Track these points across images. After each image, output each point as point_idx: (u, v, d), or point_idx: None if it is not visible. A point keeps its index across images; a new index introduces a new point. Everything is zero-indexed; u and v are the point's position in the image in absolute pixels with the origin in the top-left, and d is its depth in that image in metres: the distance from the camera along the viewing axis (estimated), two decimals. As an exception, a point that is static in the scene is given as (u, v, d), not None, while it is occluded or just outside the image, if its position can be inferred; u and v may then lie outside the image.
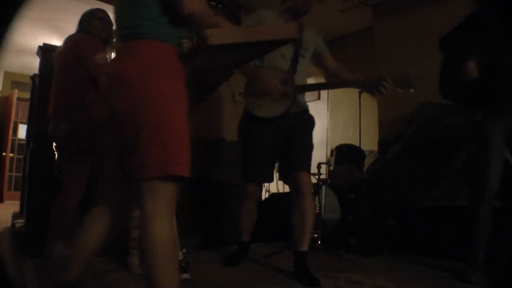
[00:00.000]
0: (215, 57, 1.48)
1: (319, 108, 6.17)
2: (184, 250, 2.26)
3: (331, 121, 6.04)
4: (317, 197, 3.59)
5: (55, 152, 2.89)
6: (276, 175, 2.81)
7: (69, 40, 2.54)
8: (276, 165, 2.60)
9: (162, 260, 1.19)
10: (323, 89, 2.72)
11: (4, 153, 6.84)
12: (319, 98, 6.25)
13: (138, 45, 1.27)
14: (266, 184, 4.66)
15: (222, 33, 1.28)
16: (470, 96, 2.30)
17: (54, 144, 2.68)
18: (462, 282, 2.23)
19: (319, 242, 3.30)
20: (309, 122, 2.51)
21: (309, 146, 2.46)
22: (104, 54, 2.39)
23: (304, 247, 2.32)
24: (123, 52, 1.32)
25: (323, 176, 3.78)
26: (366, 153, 3.74)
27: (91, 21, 2.56)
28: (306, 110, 2.52)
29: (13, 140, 7.22)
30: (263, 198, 4.43)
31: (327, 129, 6.05)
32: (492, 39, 2.15)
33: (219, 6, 4.42)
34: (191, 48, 1.38)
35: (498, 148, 2.20)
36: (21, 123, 7.42)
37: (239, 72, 2.44)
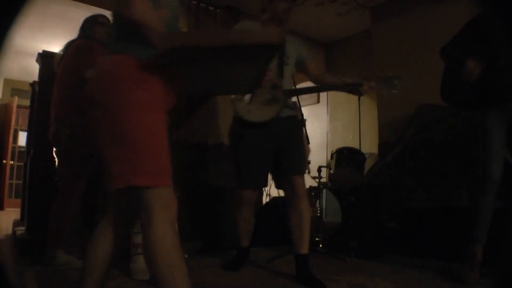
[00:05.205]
0: (187, 73, 1.29)
1: (319, 112, 6.17)
2: (186, 256, 2.26)
3: (331, 124, 6.04)
4: (318, 201, 3.58)
5: (56, 159, 2.89)
6: (272, 183, 2.82)
7: (71, 45, 2.55)
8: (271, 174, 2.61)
9: (164, 268, 1.17)
10: (311, 92, 2.75)
11: (4, 161, 6.84)
12: (318, 101, 6.25)
13: (104, 62, 1.27)
14: (266, 188, 4.65)
15: (175, 35, 1.14)
16: (471, 98, 2.34)
17: (54, 149, 2.67)
18: (462, 284, 2.22)
19: (321, 245, 3.29)
20: (299, 126, 2.57)
21: (302, 151, 2.50)
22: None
23: (305, 249, 2.32)
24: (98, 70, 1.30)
25: (323, 180, 3.78)
26: (366, 156, 3.74)
27: (93, 26, 2.57)
28: (295, 115, 2.56)
29: (13, 148, 7.21)
30: (264, 202, 4.42)
31: (327, 132, 6.05)
32: (489, 43, 2.22)
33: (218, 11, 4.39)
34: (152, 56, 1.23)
35: (498, 139, 2.23)
36: (21, 130, 7.42)
37: None
